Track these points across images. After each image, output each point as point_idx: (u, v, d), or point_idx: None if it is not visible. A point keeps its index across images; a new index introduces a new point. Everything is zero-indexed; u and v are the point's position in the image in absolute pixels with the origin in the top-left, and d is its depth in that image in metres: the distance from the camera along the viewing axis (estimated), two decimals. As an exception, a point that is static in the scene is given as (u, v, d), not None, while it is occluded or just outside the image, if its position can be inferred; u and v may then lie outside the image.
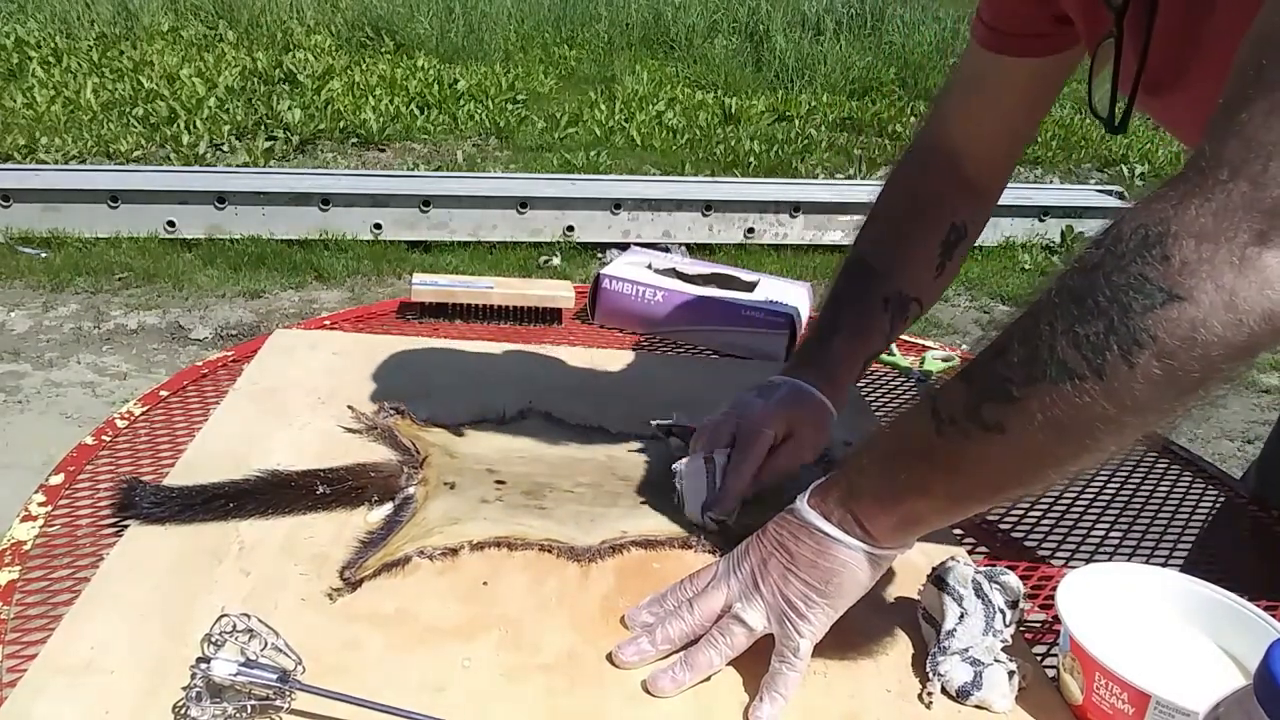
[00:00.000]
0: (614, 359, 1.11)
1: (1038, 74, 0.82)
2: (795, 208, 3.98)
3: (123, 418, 0.92)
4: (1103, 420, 0.53)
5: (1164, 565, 0.82)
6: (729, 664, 0.65)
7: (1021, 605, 0.69)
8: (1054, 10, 0.78)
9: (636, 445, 0.91)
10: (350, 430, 0.89)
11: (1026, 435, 0.55)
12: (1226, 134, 0.51)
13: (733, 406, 0.84)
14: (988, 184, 0.89)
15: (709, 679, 0.64)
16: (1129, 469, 1.03)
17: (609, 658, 0.65)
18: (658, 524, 0.79)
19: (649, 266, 1.26)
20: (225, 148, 4.40)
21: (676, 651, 0.65)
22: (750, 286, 1.24)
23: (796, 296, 1.21)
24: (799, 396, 0.83)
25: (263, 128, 4.60)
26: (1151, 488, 1.00)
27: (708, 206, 3.91)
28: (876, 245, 0.89)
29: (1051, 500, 0.95)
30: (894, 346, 1.24)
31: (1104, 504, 0.96)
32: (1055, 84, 0.84)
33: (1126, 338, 0.51)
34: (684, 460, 0.81)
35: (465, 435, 0.89)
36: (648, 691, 0.63)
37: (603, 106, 5.36)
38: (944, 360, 1.22)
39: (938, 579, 0.69)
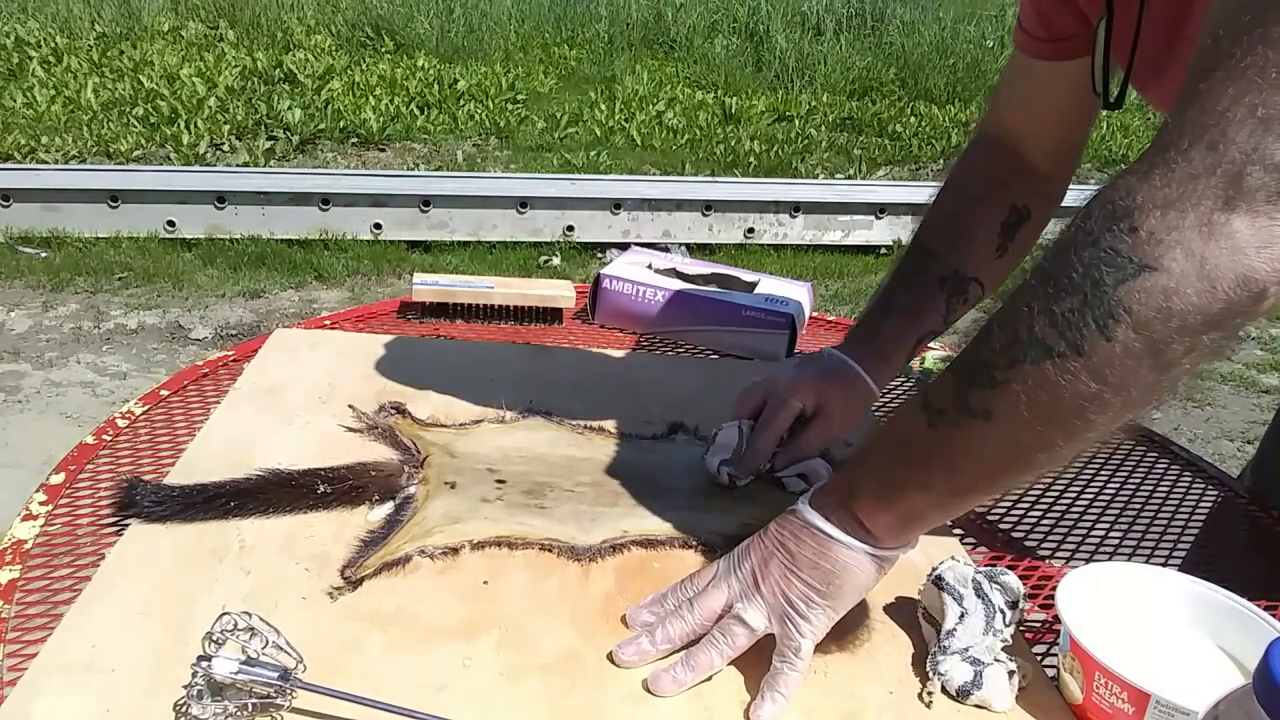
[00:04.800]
0: (614, 359, 1.11)
1: (1076, 74, 0.80)
2: (795, 208, 3.98)
3: (123, 417, 0.92)
4: (1087, 398, 0.53)
5: (1164, 565, 0.82)
6: (729, 663, 0.65)
7: (1021, 605, 0.69)
8: (1085, 8, 0.77)
9: (636, 445, 0.91)
10: (351, 429, 0.89)
11: (1014, 419, 0.55)
12: (1187, 105, 0.51)
13: (769, 374, 0.84)
14: (1050, 168, 0.88)
15: (709, 679, 0.64)
16: (1129, 469, 1.03)
17: (609, 657, 0.65)
18: (658, 524, 0.79)
19: (649, 266, 1.26)
20: (225, 147, 4.40)
21: (677, 651, 0.65)
22: (750, 286, 1.24)
23: (797, 296, 1.21)
24: (837, 370, 0.84)
25: (263, 127, 4.60)
26: (1151, 488, 1.00)
27: (708, 206, 3.91)
28: (934, 228, 0.89)
29: (1052, 500, 0.95)
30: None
31: (1104, 504, 0.96)
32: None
33: (1101, 312, 0.51)
34: (724, 424, 0.84)
35: (465, 435, 0.89)
36: (648, 691, 0.63)
37: (603, 106, 5.36)
38: (944, 361, 1.22)
39: (938, 579, 0.69)
